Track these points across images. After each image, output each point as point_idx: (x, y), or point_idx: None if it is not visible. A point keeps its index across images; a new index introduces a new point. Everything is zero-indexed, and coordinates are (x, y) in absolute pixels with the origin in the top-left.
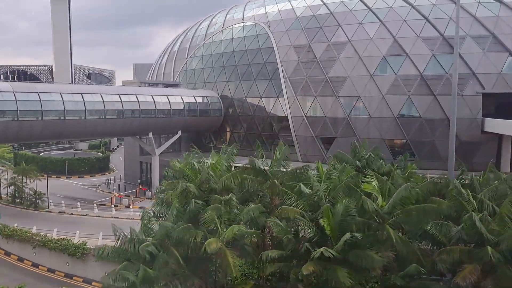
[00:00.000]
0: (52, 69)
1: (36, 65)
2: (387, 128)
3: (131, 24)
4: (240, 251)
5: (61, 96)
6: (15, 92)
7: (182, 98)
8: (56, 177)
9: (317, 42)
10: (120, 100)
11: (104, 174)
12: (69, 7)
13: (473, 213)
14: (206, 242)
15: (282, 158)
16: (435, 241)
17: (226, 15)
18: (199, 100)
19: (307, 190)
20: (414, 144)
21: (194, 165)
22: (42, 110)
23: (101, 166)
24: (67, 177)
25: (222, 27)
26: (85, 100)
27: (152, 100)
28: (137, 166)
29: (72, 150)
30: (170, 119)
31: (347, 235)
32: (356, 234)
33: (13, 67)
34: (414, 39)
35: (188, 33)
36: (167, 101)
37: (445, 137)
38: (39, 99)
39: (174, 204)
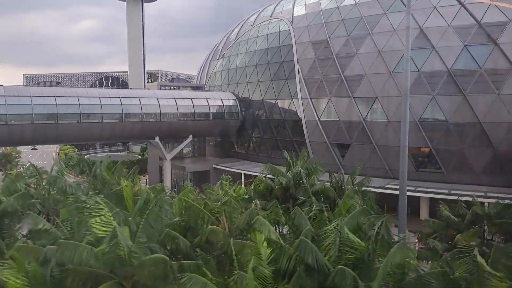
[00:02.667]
0: None
1: (125, 71)
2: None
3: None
4: None
5: (78, 100)
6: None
7: (192, 101)
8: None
9: (336, 36)
10: (120, 103)
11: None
12: (142, 16)
13: None
14: None
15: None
16: None
17: (260, 12)
18: (212, 103)
19: None
20: (439, 154)
21: None
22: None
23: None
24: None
25: (252, 26)
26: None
27: (157, 103)
28: (158, 170)
29: (123, 153)
30: (178, 123)
31: None
32: None
33: (106, 74)
34: (443, 29)
35: (229, 33)
36: (174, 104)
37: (478, 145)
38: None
39: None
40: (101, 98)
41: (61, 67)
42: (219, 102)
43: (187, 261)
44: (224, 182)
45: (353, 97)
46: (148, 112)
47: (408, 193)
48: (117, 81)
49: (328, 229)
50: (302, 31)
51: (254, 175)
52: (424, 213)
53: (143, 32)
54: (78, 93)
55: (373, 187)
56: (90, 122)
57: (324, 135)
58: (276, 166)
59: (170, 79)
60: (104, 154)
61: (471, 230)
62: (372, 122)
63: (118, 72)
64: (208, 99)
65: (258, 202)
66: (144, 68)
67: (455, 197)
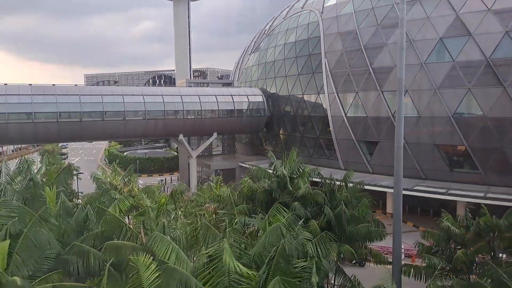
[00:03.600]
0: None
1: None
2: (440, 131)
3: None
4: None
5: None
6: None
7: (216, 98)
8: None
9: (365, 26)
10: (143, 101)
11: (173, 174)
12: (188, 14)
13: None
14: None
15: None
16: None
17: (294, 4)
18: (237, 99)
19: None
20: (475, 153)
21: None
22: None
23: (171, 166)
24: (138, 176)
25: (283, 18)
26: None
27: (180, 101)
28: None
29: (162, 150)
30: (201, 120)
31: None
32: None
33: (159, 72)
34: (482, 14)
35: (264, 27)
36: (198, 101)
37: None
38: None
39: None
40: (124, 96)
41: (123, 67)
42: (244, 99)
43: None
44: (212, 184)
45: (382, 91)
46: (171, 110)
47: (437, 196)
48: (169, 79)
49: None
50: (331, 22)
51: None
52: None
53: (189, 31)
54: (102, 91)
55: (380, 186)
56: (113, 120)
57: (351, 131)
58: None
59: (219, 76)
60: (144, 151)
61: (479, 245)
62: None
63: (170, 70)
64: (233, 96)
65: (212, 206)
66: (190, 66)
67: (493, 201)
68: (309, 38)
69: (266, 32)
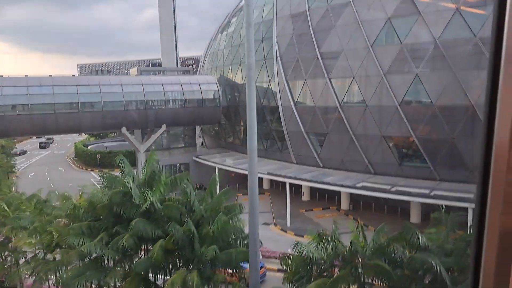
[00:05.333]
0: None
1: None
2: (388, 121)
3: None
4: None
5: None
6: None
7: (163, 87)
8: (91, 169)
9: (316, 7)
10: (77, 91)
11: (136, 168)
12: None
13: None
14: None
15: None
16: None
17: None
18: (187, 88)
19: None
20: (423, 145)
21: None
22: None
23: (134, 160)
24: (98, 170)
25: None
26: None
27: (121, 91)
28: None
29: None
30: (145, 111)
31: None
32: None
33: (153, 61)
34: None
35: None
36: (141, 90)
37: (471, 133)
38: None
39: None
40: (54, 87)
41: (128, 56)
42: (196, 87)
43: None
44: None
45: (329, 78)
46: (109, 101)
47: (379, 194)
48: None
49: None
50: (285, 2)
51: (231, 170)
52: (415, 217)
53: (174, 17)
54: (29, 82)
55: (323, 183)
56: (42, 113)
57: (300, 123)
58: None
59: None
60: (113, 143)
61: (343, 271)
62: (349, 107)
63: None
64: (182, 84)
65: (63, 221)
66: (176, 53)
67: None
68: (263, 21)
69: (232, 13)
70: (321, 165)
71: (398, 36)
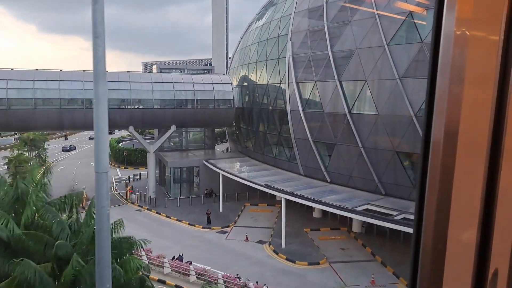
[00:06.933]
0: None
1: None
2: (402, 134)
3: None
4: None
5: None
6: None
7: (173, 86)
8: (117, 166)
9: (333, 1)
10: (83, 87)
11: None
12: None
13: None
14: None
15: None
16: None
17: None
18: (199, 88)
19: None
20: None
21: None
22: None
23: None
24: (124, 168)
25: None
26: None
27: (128, 88)
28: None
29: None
30: (153, 111)
31: None
32: None
33: (211, 60)
34: None
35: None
36: (150, 88)
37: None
38: None
39: None
40: (60, 82)
41: (194, 55)
42: (208, 87)
43: None
44: None
45: (339, 81)
46: (115, 98)
47: (379, 222)
48: None
49: None
50: None
51: (232, 178)
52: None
53: (226, 17)
54: (35, 77)
55: (321, 203)
56: (46, 109)
57: (307, 130)
58: None
59: None
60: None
61: None
62: (359, 115)
63: None
64: (194, 84)
65: None
66: (226, 53)
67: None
68: (282, 17)
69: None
70: (329, 179)
71: (419, 33)
